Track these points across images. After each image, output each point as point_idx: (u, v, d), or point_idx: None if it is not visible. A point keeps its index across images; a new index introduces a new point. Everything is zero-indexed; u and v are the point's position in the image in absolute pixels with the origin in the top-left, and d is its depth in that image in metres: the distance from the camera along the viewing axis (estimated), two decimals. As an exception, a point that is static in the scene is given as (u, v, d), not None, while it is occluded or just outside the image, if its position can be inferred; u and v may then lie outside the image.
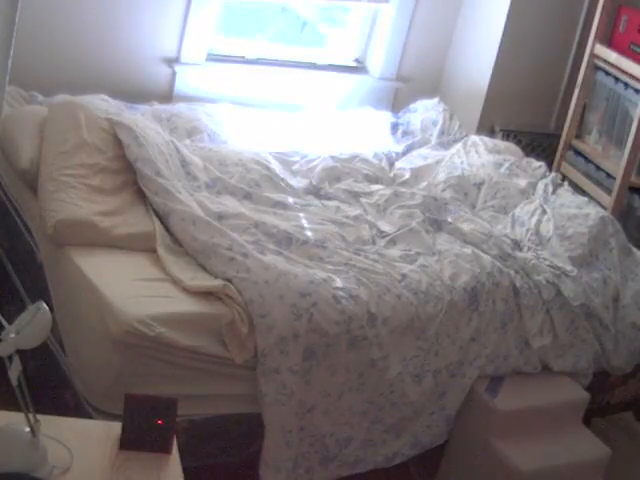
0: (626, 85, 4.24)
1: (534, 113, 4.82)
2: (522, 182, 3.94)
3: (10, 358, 1.88)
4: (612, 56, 4.31)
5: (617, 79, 4.30)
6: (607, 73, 4.36)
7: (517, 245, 3.55)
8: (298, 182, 3.60)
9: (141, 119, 3.45)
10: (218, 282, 2.79)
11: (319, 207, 3.46)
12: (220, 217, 3.08)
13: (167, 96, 4.09)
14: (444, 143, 4.23)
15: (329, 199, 3.56)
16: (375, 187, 3.71)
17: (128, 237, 2.93)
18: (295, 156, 3.79)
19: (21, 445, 1.91)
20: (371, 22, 4.60)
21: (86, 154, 3.11)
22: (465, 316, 3.14)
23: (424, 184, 3.85)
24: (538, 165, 4.13)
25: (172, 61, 4.09)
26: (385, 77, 4.64)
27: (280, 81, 4.37)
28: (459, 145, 4.16)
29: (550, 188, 3.92)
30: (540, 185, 3.94)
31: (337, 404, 2.92)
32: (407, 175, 3.90)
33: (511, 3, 4.51)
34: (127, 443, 2.04)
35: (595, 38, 4.39)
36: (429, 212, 3.54)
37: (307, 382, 2.83)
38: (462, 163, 4.00)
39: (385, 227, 3.42)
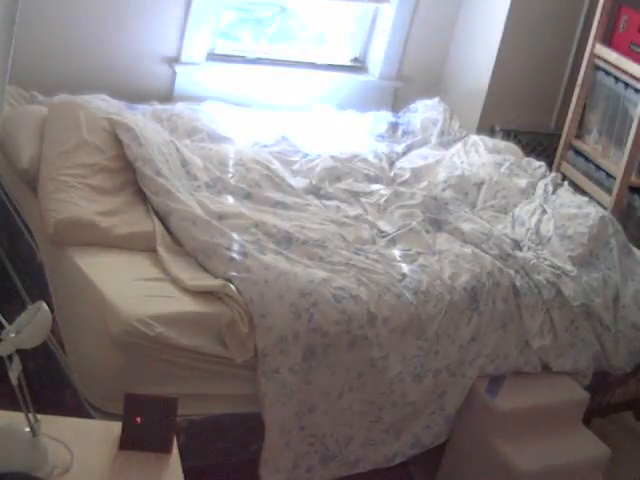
0: (626, 85, 4.24)
1: (534, 113, 4.82)
2: (522, 182, 3.93)
3: (10, 358, 1.88)
4: (612, 56, 4.31)
5: (617, 79, 4.30)
6: (607, 73, 4.36)
7: (517, 245, 3.55)
8: (298, 182, 3.60)
9: (141, 119, 3.45)
10: (218, 282, 2.79)
11: (319, 207, 3.46)
12: (220, 217, 3.08)
13: (167, 96, 4.09)
14: (444, 143, 4.23)
15: (329, 199, 3.55)
16: (375, 187, 3.71)
17: (128, 237, 2.92)
18: (295, 156, 3.79)
19: (21, 445, 1.91)
20: (371, 22, 4.60)
21: (86, 154, 3.11)
22: (465, 316, 3.13)
23: (424, 184, 3.85)
24: (538, 165, 4.12)
25: (172, 61, 4.09)
26: (385, 77, 4.64)
27: (280, 81, 4.36)
28: (459, 145, 4.16)
29: (550, 188, 3.92)
30: (540, 185, 3.94)
31: (337, 404, 2.91)
32: (407, 175, 3.90)
33: (511, 3, 4.51)
34: (127, 443, 2.04)
35: (595, 38, 4.38)
36: (429, 212, 3.54)
37: (307, 382, 2.83)
38: (462, 163, 4.00)
39: (385, 227, 3.42)
